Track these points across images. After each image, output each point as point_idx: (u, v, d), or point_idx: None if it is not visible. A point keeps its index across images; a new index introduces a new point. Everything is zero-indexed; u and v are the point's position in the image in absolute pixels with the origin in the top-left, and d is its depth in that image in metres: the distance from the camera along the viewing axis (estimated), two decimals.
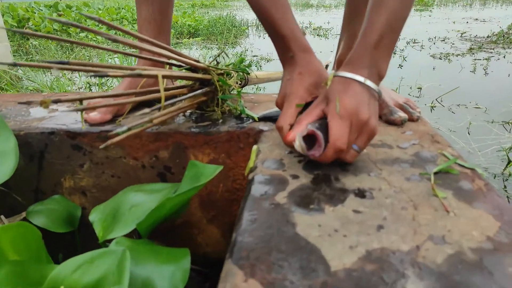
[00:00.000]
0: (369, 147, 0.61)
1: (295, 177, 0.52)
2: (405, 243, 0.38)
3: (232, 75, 0.82)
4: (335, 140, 0.50)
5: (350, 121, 0.50)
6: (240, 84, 0.89)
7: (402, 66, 3.19)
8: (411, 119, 0.72)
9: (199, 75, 0.72)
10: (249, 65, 0.99)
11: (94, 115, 0.73)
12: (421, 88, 2.54)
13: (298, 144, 0.51)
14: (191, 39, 4.98)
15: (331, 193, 0.48)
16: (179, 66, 0.73)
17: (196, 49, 4.15)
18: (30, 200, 0.78)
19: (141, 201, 0.61)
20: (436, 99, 2.31)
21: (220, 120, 0.75)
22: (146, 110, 0.57)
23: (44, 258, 0.57)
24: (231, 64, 0.89)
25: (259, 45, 4.33)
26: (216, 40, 4.80)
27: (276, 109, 0.75)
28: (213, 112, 0.80)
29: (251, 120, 0.75)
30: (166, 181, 0.76)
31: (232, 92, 0.83)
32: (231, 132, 0.71)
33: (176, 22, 5.68)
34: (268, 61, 3.43)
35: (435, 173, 0.52)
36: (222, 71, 0.80)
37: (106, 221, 0.62)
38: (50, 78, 2.46)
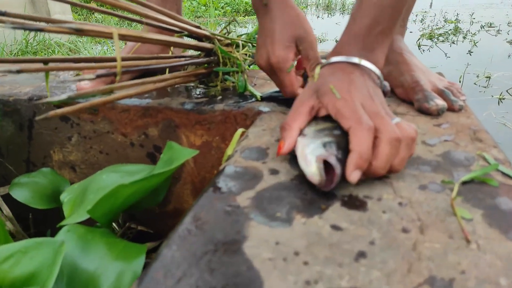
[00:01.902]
0: None
1: (274, 172, 0.41)
2: (389, 285, 0.26)
3: (241, 46, 0.71)
4: (356, 119, 0.38)
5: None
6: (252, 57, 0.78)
7: (471, 52, 2.84)
8: (451, 109, 0.56)
9: (194, 42, 0.62)
10: None
11: (84, 84, 0.67)
12: (489, 77, 2.23)
13: (317, 172, 0.35)
14: (246, 17, 4.86)
15: (311, 198, 0.36)
16: (185, 34, 0.63)
17: (252, 26, 4.04)
18: (22, 170, 0.75)
19: (108, 184, 0.53)
20: (507, 91, 2.01)
21: (219, 97, 0.65)
22: (137, 80, 0.49)
23: (1, 239, 0.52)
24: (245, 34, 0.78)
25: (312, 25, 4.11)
26: None
27: None
28: (216, 87, 0.70)
29: (254, 99, 0.64)
30: (155, 163, 0.68)
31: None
32: (227, 112, 0.61)
33: (234, 0, 5.58)
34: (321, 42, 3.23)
35: (464, 183, 0.38)
36: (229, 41, 0.70)
37: (75, 203, 0.56)
38: (105, 49, 2.49)
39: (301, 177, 0.39)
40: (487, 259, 0.28)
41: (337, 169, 0.35)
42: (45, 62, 0.48)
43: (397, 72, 0.63)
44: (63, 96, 0.38)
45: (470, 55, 2.81)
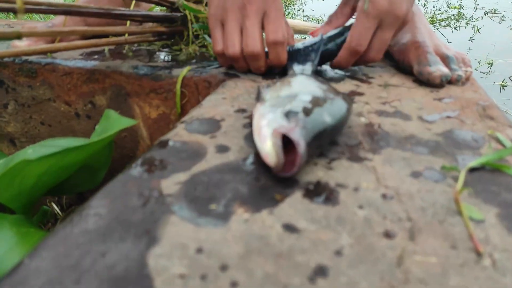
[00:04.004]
0: (369, 114, 0.38)
1: (221, 149, 0.31)
2: None
3: None
4: (350, 41, 0.45)
5: (380, 20, 0.43)
6: None
7: (473, 39, 2.72)
8: (452, 80, 0.46)
9: None
10: None
11: (20, 42, 0.56)
12: (492, 64, 2.13)
13: (272, 151, 0.25)
14: None
15: (264, 185, 0.26)
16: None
17: None
18: None
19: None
20: (510, 78, 1.91)
21: (183, 62, 0.55)
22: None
23: None
24: None
25: (314, 6, 3.96)
26: None
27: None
28: (180, 52, 0.59)
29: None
30: None
31: None
32: (187, 79, 0.51)
33: None
34: (319, 23, 3.10)
35: (472, 170, 0.28)
36: None
37: None
38: None
39: (256, 156, 0.30)
40: (508, 283, 0.19)
41: (300, 147, 0.25)
42: None
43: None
44: None
45: (472, 41, 2.70)
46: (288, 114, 0.28)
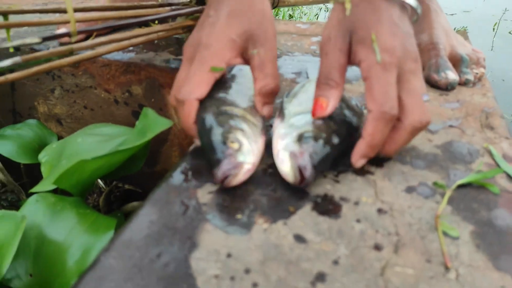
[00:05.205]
0: None
1: None
2: None
3: None
4: (378, 107, 0.32)
5: (398, 71, 0.33)
6: None
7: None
8: (461, 83, 0.49)
9: None
10: None
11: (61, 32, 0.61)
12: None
13: (290, 172, 0.31)
14: None
15: (280, 197, 0.32)
16: None
17: None
18: (10, 120, 0.72)
19: (80, 150, 0.50)
20: None
21: None
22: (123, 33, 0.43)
23: None
24: None
25: None
26: None
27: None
28: None
29: None
30: None
31: None
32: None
33: None
34: None
35: (460, 187, 0.33)
36: None
37: (52, 164, 0.54)
38: None
39: (274, 167, 0.35)
40: None
41: (307, 171, 0.30)
42: (5, 14, 0.43)
43: (416, 28, 0.55)
44: (7, 63, 0.33)
45: None
46: (300, 138, 0.33)
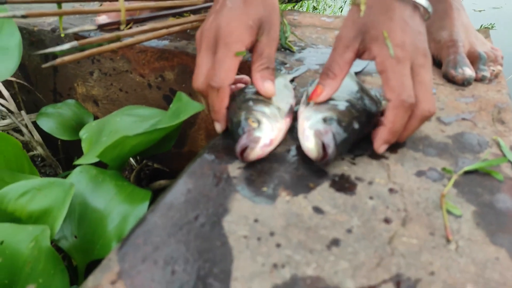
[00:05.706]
0: None
1: None
2: (353, 279, 0.27)
3: None
4: (396, 96, 0.35)
5: (411, 64, 0.36)
6: None
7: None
8: (477, 79, 0.52)
9: None
10: None
11: (102, 20, 0.66)
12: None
13: (314, 148, 0.35)
14: None
15: (302, 174, 0.36)
16: None
17: None
18: (50, 99, 0.78)
19: (120, 128, 0.55)
20: None
21: None
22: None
23: (26, 168, 0.56)
24: None
25: None
26: None
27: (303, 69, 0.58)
28: None
29: (287, 52, 0.61)
30: None
31: None
32: (243, 62, 0.59)
33: None
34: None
35: (466, 173, 0.36)
36: None
37: (92, 141, 0.59)
38: None
39: (297, 149, 0.39)
40: (461, 262, 0.28)
41: (330, 148, 0.34)
42: (58, 3, 0.47)
43: (437, 25, 0.57)
44: (66, 46, 0.38)
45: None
46: (325, 120, 0.37)
